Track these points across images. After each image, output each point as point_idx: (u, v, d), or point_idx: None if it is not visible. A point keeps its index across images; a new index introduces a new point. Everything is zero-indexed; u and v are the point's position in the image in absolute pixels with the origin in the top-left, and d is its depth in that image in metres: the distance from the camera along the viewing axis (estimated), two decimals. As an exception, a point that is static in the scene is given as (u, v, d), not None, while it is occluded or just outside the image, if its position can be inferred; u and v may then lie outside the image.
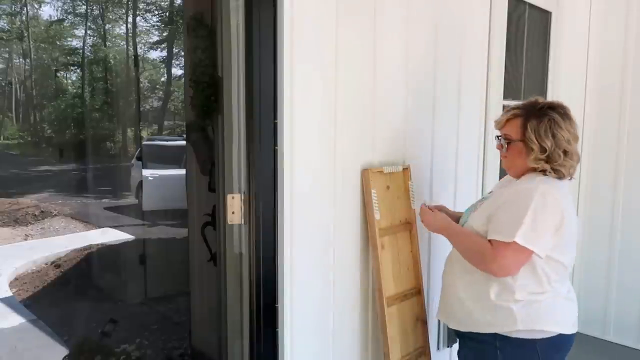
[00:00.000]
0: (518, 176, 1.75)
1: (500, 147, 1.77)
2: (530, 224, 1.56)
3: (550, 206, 1.58)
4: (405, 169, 2.25)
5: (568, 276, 1.73)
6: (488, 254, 1.61)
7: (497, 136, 1.78)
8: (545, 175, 1.65)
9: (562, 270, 1.66)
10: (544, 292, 1.64)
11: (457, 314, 1.79)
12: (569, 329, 1.68)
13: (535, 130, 1.64)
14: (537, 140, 1.63)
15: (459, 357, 1.89)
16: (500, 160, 1.88)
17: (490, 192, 1.93)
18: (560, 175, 1.65)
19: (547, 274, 1.63)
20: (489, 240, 1.63)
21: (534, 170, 1.68)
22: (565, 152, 1.63)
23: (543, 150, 1.63)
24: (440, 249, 2.54)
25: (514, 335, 1.64)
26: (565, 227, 1.60)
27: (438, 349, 2.57)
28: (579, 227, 3.46)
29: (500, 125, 1.77)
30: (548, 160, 1.63)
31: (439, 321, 2.56)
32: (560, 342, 1.67)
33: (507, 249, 1.58)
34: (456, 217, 1.93)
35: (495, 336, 1.67)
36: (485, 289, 1.68)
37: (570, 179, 1.70)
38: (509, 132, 1.72)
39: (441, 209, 2.01)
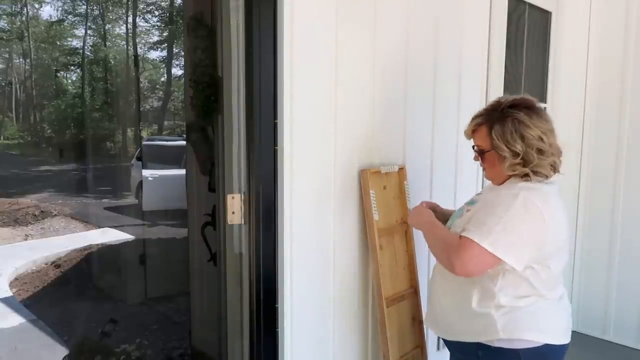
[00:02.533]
0: (500, 183, 1.63)
1: (476, 158, 1.67)
2: (503, 232, 1.44)
3: (531, 215, 1.46)
4: (401, 169, 2.25)
5: (558, 281, 1.60)
6: (453, 249, 1.51)
7: (472, 146, 1.68)
8: (528, 180, 1.53)
9: (548, 275, 1.53)
10: (527, 297, 1.52)
11: (440, 322, 1.71)
12: (558, 338, 1.55)
13: (501, 136, 1.52)
14: (506, 146, 1.51)
15: None
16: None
17: (479, 194, 1.81)
18: (542, 176, 1.53)
19: (529, 279, 1.51)
20: (460, 237, 1.53)
21: (520, 176, 1.55)
22: (540, 151, 1.51)
23: (515, 154, 1.51)
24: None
25: (495, 344, 1.53)
26: (551, 235, 1.49)
27: (438, 349, 2.58)
28: (573, 229, 3.48)
29: (468, 136, 1.68)
30: (524, 163, 1.51)
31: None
32: (547, 353, 1.53)
33: (473, 248, 1.46)
34: (449, 216, 1.83)
35: (477, 345, 1.57)
36: (466, 296, 1.58)
37: (555, 174, 1.58)
38: (479, 143, 1.62)
39: (433, 207, 1.89)
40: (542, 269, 1.51)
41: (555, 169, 1.56)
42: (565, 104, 3.38)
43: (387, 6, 2.13)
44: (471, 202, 1.72)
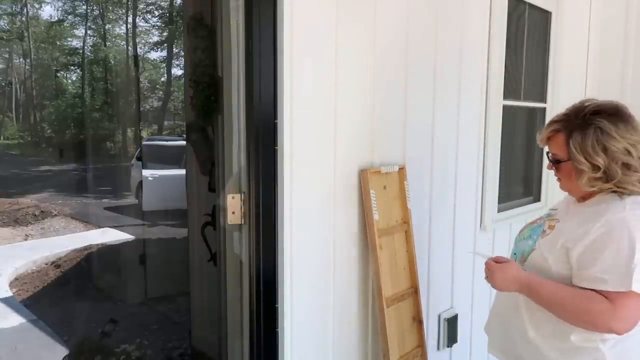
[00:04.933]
0: (584, 198, 1.45)
1: (550, 167, 1.49)
2: (629, 263, 1.27)
3: None
4: (401, 169, 2.25)
5: None
6: (607, 310, 1.27)
7: (546, 153, 1.51)
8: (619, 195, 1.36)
9: None
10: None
11: (526, 357, 1.50)
12: None
13: (581, 146, 1.34)
14: (585, 159, 1.34)
15: None
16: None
17: (554, 210, 1.59)
18: (627, 191, 1.35)
19: None
20: (592, 291, 1.31)
21: (604, 191, 1.38)
22: (626, 166, 1.33)
23: (596, 168, 1.33)
24: (440, 249, 2.55)
25: None
26: None
27: (438, 349, 2.58)
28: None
29: (542, 142, 1.49)
30: (606, 178, 1.34)
31: (438, 321, 2.56)
32: None
33: (626, 299, 1.27)
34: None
35: None
36: (564, 328, 1.39)
37: None
38: (555, 151, 1.44)
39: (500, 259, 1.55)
40: None
41: None
42: (565, 104, 3.36)
43: (387, 6, 2.13)
44: (549, 216, 1.56)
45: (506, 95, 2.87)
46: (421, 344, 2.31)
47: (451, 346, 2.63)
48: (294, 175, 1.82)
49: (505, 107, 2.86)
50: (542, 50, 3.26)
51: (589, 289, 1.32)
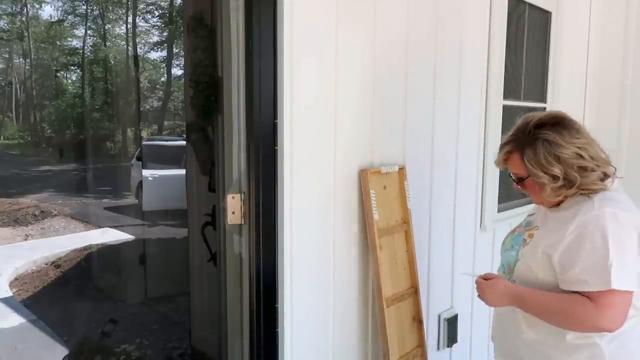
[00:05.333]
0: (558, 204, 1.47)
1: (516, 186, 1.53)
2: (617, 262, 1.30)
3: (627, 230, 1.34)
4: (401, 169, 2.25)
5: None
6: (592, 311, 1.31)
7: (509, 173, 1.54)
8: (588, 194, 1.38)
9: None
10: (630, 318, 1.37)
11: (526, 358, 1.53)
12: None
13: (535, 161, 1.39)
14: (543, 172, 1.38)
15: None
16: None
17: (532, 216, 1.64)
18: (592, 191, 1.38)
19: (634, 302, 1.38)
20: (576, 293, 1.35)
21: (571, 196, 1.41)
22: (582, 168, 1.37)
23: (555, 178, 1.37)
24: (440, 249, 2.55)
25: None
26: None
27: (438, 349, 2.58)
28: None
29: (500, 165, 1.54)
30: (568, 185, 1.38)
31: (438, 321, 2.56)
32: None
33: (609, 297, 1.30)
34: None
35: None
36: (562, 330, 1.42)
37: (614, 179, 1.43)
38: (515, 170, 1.48)
39: (489, 276, 1.60)
40: None
41: (609, 175, 1.42)
42: (565, 104, 3.37)
43: (387, 6, 2.13)
44: (529, 224, 1.59)
45: (506, 95, 2.87)
46: (421, 344, 2.31)
47: (451, 346, 2.63)
48: (294, 175, 1.82)
49: (505, 107, 2.86)
50: (542, 50, 3.26)
51: (574, 292, 1.36)
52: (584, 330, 1.38)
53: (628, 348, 1.41)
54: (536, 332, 1.48)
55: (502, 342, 1.64)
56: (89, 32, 27.52)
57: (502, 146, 1.51)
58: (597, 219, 1.34)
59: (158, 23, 27.06)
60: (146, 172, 8.71)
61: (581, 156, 1.37)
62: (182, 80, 6.24)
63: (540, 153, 1.38)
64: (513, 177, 1.52)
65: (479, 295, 1.54)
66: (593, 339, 1.39)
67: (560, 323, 1.40)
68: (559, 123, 1.41)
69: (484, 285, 1.52)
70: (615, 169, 1.45)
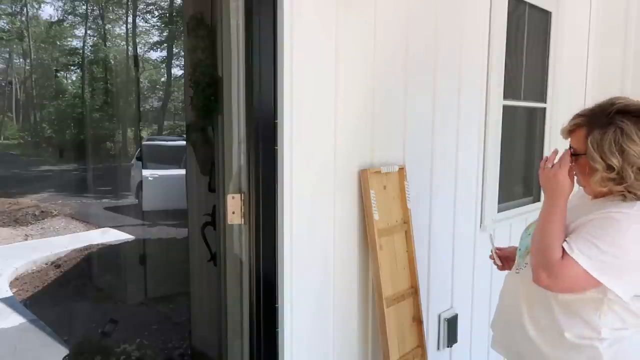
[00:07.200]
0: (597, 197, 1.45)
1: (570, 160, 1.47)
2: (613, 258, 1.30)
3: None
4: (401, 169, 2.25)
5: None
6: (555, 262, 1.34)
7: (569, 147, 1.49)
8: (629, 199, 1.36)
9: None
10: (629, 328, 1.40)
11: (526, 355, 1.54)
12: None
13: (598, 144, 1.33)
14: (600, 157, 1.33)
15: None
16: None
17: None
18: (637, 197, 1.35)
19: (634, 310, 1.38)
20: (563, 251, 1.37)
21: (614, 194, 1.38)
22: None
23: (609, 168, 1.32)
24: (440, 249, 2.55)
25: None
26: None
27: (438, 349, 2.58)
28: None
29: (564, 135, 1.49)
30: (619, 180, 1.33)
31: (438, 321, 2.56)
32: None
33: (577, 270, 1.32)
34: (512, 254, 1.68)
35: None
36: (559, 325, 1.43)
37: None
38: (575, 145, 1.43)
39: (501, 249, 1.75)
40: None
41: None
42: (565, 105, 3.37)
43: (388, 6, 2.13)
44: None
45: (506, 95, 2.87)
46: (421, 344, 2.31)
47: (451, 346, 2.63)
48: (293, 175, 1.82)
49: (505, 107, 2.86)
50: (542, 50, 3.26)
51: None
52: (540, 265, 1.38)
53: (626, 353, 1.41)
54: (537, 328, 1.48)
55: (502, 333, 1.64)
56: (89, 32, 27.51)
57: (575, 117, 1.45)
58: (629, 216, 1.32)
59: (158, 23, 27.06)
60: (146, 172, 8.71)
61: None
62: (182, 80, 6.24)
63: (607, 138, 1.33)
64: (571, 150, 1.45)
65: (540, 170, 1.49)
66: (593, 341, 1.40)
67: (534, 244, 1.43)
68: None
69: (550, 170, 1.45)
70: None
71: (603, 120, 1.36)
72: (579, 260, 1.32)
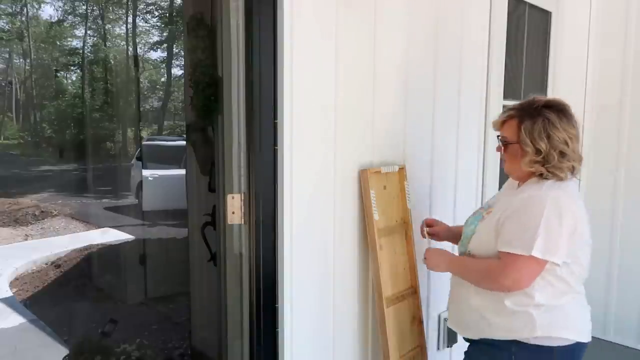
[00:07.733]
0: (521, 180, 1.69)
1: (498, 149, 1.72)
2: (545, 234, 1.50)
3: (564, 212, 1.53)
4: (401, 169, 2.25)
5: (584, 277, 1.69)
6: (498, 271, 1.56)
7: (497, 136, 1.74)
8: (546, 179, 1.59)
9: (579, 270, 1.62)
10: (565, 295, 1.60)
11: (472, 324, 1.73)
12: (587, 336, 1.65)
13: (529, 131, 1.57)
14: (531, 142, 1.57)
15: (467, 357, 1.85)
16: (500, 162, 1.85)
17: (493, 198, 1.89)
18: (558, 178, 1.58)
19: (564, 276, 1.58)
20: (499, 252, 1.58)
21: (536, 174, 1.61)
22: (561, 154, 1.56)
23: (538, 152, 1.56)
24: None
25: (532, 341, 1.59)
26: (580, 229, 1.57)
27: (438, 349, 2.58)
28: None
29: (497, 126, 1.73)
30: (544, 162, 1.57)
31: (438, 321, 2.56)
32: (576, 350, 1.63)
33: (518, 262, 1.52)
34: (458, 232, 1.88)
35: (511, 342, 1.61)
36: (500, 295, 1.61)
37: (574, 179, 1.64)
38: (506, 134, 1.67)
39: (431, 223, 2.05)
40: (574, 264, 1.59)
41: (573, 173, 1.62)
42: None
43: (388, 6, 2.13)
44: (488, 206, 1.80)
45: (506, 95, 2.87)
46: (421, 344, 2.31)
47: (451, 346, 2.63)
48: (294, 176, 1.83)
49: (505, 107, 2.86)
50: (542, 50, 3.26)
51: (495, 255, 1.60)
52: (490, 284, 1.61)
53: (555, 320, 1.59)
54: (482, 297, 1.66)
55: (453, 308, 1.84)
56: (89, 32, 27.50)
57: (507, 111, 1.70)
58: (541, 198, 1.54)
59: (158, 23, 27.06)
60: (146, 172, 8.71)
61: (567, 144, 1.57)
62: (182, 80, 6.24)
63: (537, 126, 1.57)
64: (500, 139, 1.70)
65: (424, 260, 1.86)
66: (529, 308, 1.58)
67: (479, 282, 1.65)
68: (563, 110, 1.61)
69: (431, 251, 1.86)
70: (579, 169, 1.63)
71: (532, 112, 1.60)
72: (517, 252, 1.52)
